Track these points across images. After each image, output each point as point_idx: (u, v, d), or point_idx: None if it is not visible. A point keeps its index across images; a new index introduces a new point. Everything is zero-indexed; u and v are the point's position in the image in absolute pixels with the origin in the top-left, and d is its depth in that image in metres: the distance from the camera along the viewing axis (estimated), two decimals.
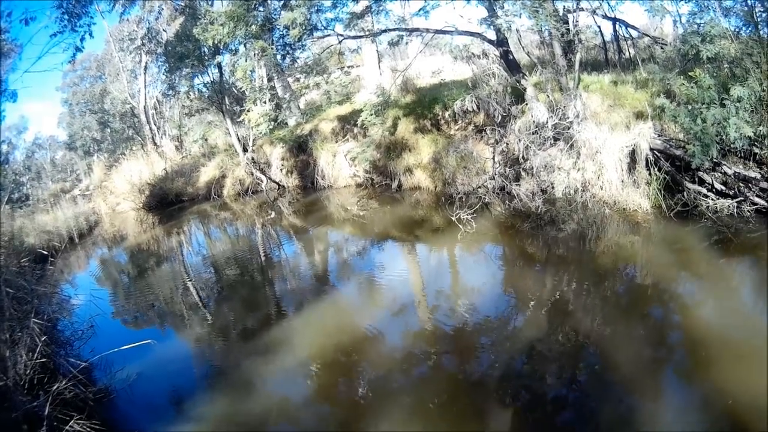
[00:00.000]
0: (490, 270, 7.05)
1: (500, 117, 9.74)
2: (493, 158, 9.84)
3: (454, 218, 8.30)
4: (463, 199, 8.95)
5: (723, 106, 6.61)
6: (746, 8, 7.72)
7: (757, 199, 6.61)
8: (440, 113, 12.15)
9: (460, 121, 11.77)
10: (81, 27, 13.58)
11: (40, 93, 64.41)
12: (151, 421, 4.63)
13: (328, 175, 14.01)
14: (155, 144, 21.37)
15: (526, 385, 4.34)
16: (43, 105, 65.65)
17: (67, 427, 4.07)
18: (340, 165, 13.81)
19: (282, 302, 7.37)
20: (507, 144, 9.63)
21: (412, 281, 7.28)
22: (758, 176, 6.66)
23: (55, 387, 4.34)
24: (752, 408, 3.51)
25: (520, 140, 9.17)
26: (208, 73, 15.33)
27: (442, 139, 11.52)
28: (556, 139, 8.89)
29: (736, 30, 7.60)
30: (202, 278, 9.11)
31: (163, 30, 20.42)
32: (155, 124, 23.01)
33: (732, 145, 6.75)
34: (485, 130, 10.40)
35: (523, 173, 9.22)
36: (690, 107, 6.90)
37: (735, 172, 6.84)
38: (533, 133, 9.11)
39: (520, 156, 9.25)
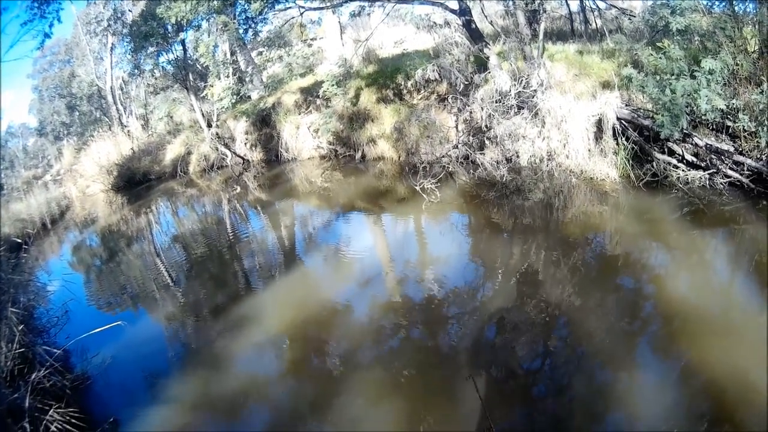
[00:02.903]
0: (456, 239, 6.57)
1: (463, 85, 9.04)
2: (457, 127, 9.25)
3: (418, 188, 7.85)
4: (427, 169, 8.50)
5: (693, 77, 6.05)
6: None
7: (730, 172, 6.04)
8: (402, 83, 11.34)
9: (422, 91, 10.98)
10: (50, 13, 13.58)
11: (12, 82, 61.07)
12: (127, 404, 4.36)
13: (292, 147, 13.19)
14: (122, 124, 20.07)
15: (497, 357, 4.09)
16: (15, 93, 62.24)
17: (47, 417, 3.89)
18: (304, 137, 12.98)
19: (251, 278, 6.88)
20: (470, 113, 8.93)
21: (378, 252, 6.85)
22: (731, 149, 6.08)
23: (33, 377, 4.19)
24: (728, 381, 3.27)
25: (483, 109, 8.47)
26: (172, 51, 14.57)
27: (405, 109, 10.74)
28: (520, 108, 8.20)
29: (709, 5, 7.04)
30: (171, 257, 8.59)
31: (129, 10, 19.34)
32: (122, 104, 21.76)
33: (703, 117, 6.17)
34: (448, 99, 9.69)
35: (487, 142, 8.57)
36: (658, 78, 6.32)
37: (707, 144, 6.25)
38: (497, 102, 8.41)
39: (484, 125, 8.55)
